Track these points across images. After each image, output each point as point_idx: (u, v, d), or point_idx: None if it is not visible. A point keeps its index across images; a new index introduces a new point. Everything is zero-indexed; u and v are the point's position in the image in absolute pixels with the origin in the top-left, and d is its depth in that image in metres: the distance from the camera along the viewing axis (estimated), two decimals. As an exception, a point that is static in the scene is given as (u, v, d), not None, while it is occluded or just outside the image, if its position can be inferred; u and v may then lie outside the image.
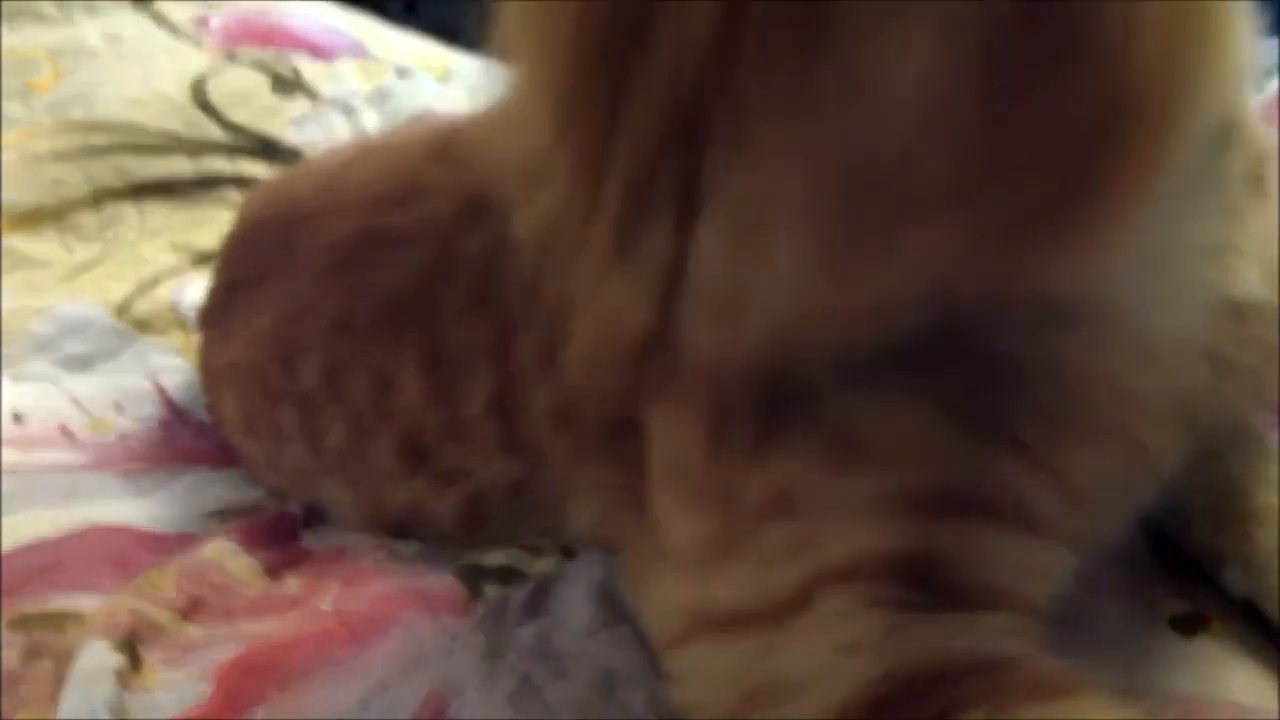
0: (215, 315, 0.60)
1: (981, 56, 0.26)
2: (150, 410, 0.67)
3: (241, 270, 0.59)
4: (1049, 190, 0.28)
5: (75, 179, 0.86)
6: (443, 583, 0.43)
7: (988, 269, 0.29)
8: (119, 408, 0.67)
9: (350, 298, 0.49)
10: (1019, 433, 0.33)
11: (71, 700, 0.36)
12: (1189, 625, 0.37)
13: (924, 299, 0.29)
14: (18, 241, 0.82)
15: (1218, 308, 0.35)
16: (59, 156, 0.86)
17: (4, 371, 0.70)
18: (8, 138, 0.88)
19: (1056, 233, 0.28)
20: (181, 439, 0.64)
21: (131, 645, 0.39)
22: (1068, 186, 0.28)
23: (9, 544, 0.49)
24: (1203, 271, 0.35)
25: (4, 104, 0.91)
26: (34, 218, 0.84)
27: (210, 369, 0.59)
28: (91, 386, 0.70)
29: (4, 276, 0.79)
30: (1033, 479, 0.33)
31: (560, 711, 0.36)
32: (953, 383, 0.33)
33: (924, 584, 0.32)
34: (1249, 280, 0.36)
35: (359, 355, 0.48)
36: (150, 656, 0.39)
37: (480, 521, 0.48)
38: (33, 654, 0.42)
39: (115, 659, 0.38)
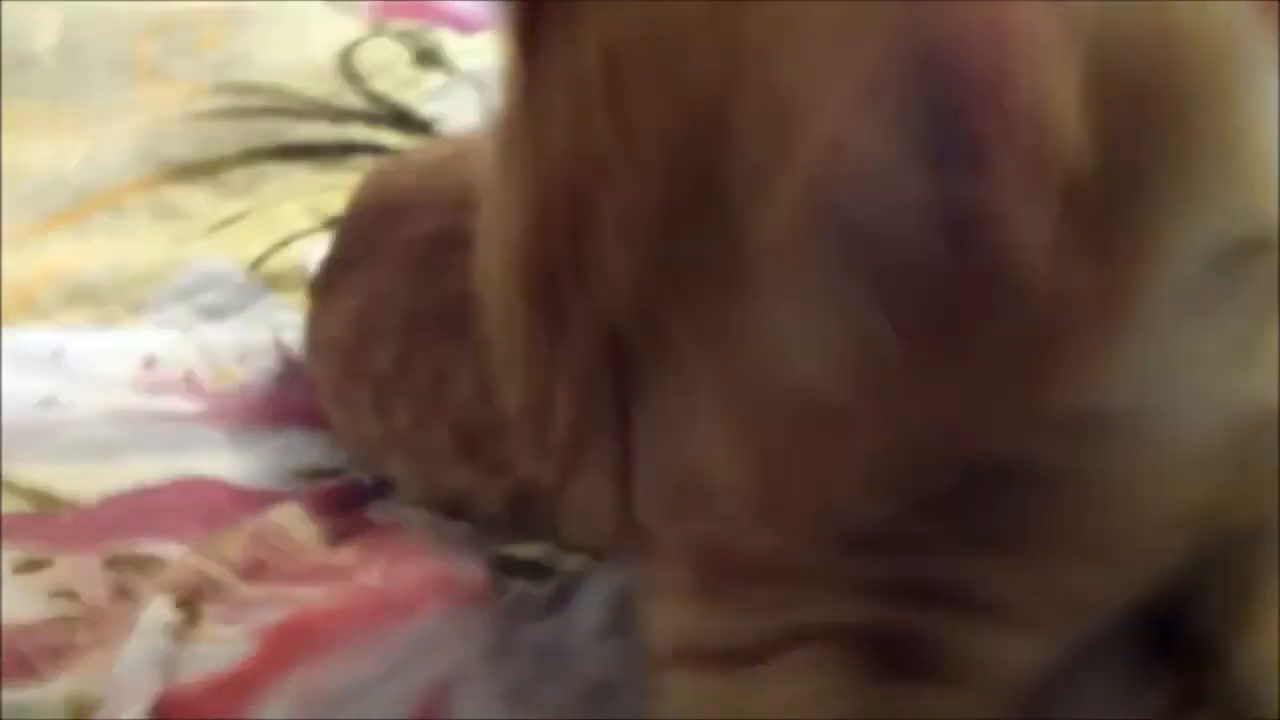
0: (321, 288, 0.65)
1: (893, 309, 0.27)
2: (269, 364, 0.73)
3: (344, 250, 0.64)
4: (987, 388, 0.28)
5: (228, 137, 0.93)
6: (473, 571, 0.46)
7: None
8: (241, 359, 0.73)
9: (421, 293, 0.52)
10: (1006, 533, 0.34)
11: (128, 651, 0.41)
12: (1178, 714, 0.37)
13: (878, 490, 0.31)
14: (173, 194, 0.90)
15: (1240, 414, 0.34)
16: (215, 115, 0.92)
17: (145, 317, 0.77)
18: (174, 93, 0.96)
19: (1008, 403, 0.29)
20: (290, 394, 0.69)
21: (192, 602, 0.44)
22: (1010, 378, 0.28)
23: (114, 488, 0.55)
24: (1221, 380, 0.34)
25: (175, 60, 0.99)
26: (188, 172, 0.91)
27: (312, 338, 0.64)
28: (220, 337, 0.76)
29: (155, 226, 0.87)
30: (1013, 577, 0.34)
31: (549, 714, 0.38)
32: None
33: (893, 655, 0.34)
34: (1272, 385, 0.35)
35: (424, 348, 0.52)
36: (208, 611, 0.44)
37: (526, 512, 0.51)
38: (120, 594, 0.48)
39: (173, 614, 0.43)
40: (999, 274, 0.26)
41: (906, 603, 0.34)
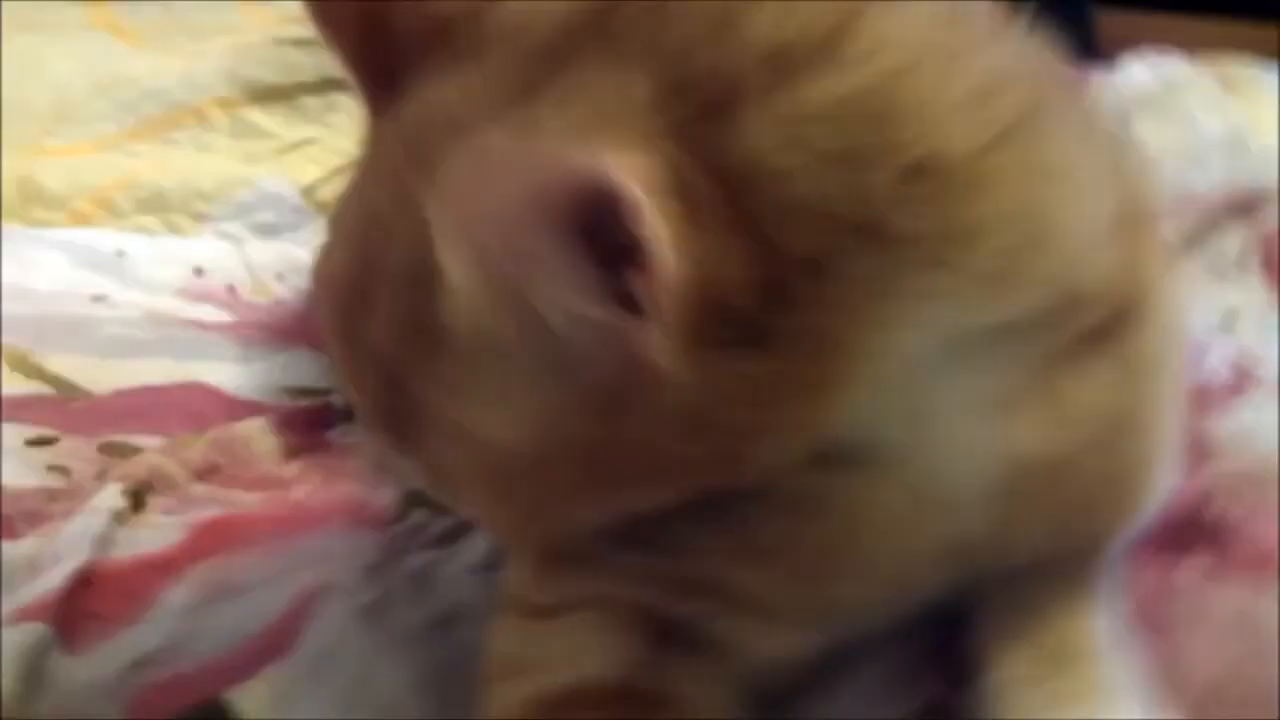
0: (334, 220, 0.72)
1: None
2: (302, 285, 0.81)
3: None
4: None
5: (307, 65, 1.00)
6: (383, 498, 0.53)
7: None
8: (280, 276, 0.81)
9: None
10: (766, 546, 0.38)
11: (71, 526, 0.50)
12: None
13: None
14: (252, 114, 0.99)
15: (1000, 461, 0.37)
16: (298, 42, 1.00)
17: (205, 228, 0.86)
18: (264, 18, 1.04)
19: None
20: (310, 314, 0.78)
21: (139, 493, 0.52)
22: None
23: (124, 383, 0.64)
24: (982, 428, 0.37)
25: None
26: (268, 95, 1.00)
27: (316, 267, 0.71)
28: (266, 254, 0.84)
29: (231, 144, 0.95)
30: (772, 582, 0.38)
31: (391, 642, 0.44)
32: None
33: (660, 628, 0.39)
34: (1036, 436, 0.37)
35: None
36: (154, 502, 0.53)
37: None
38: (101, 475, 0.56)
39: (119, 501, 0.51)
40: (639, 369, 0.31)
41: (672, 591, 0.39)
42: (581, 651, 0.39)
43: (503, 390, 0.34)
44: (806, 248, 0.31)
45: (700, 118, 0.31)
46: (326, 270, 0.40)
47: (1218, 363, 0.60)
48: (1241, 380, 0.59)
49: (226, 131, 0.96)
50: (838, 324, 0.32)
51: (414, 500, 0.54)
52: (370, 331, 0.36)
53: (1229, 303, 0.68)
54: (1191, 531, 0.48)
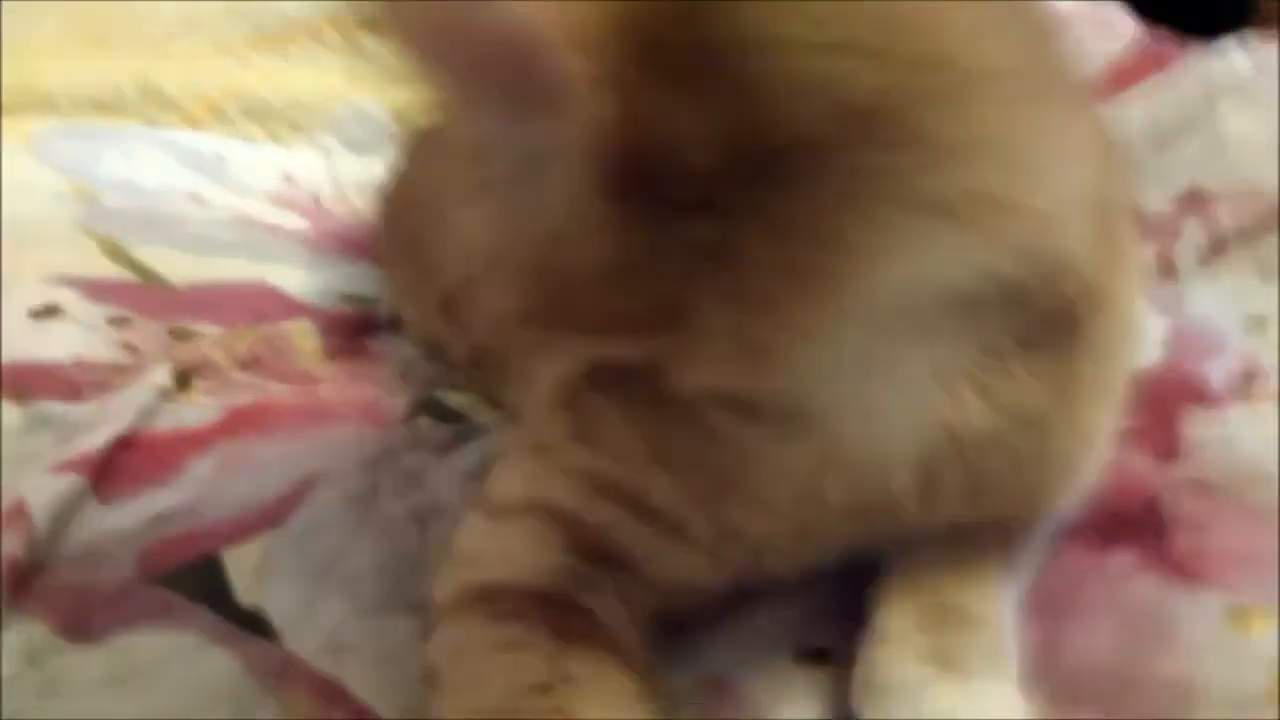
0: (406, 148, 0.78)
1: None
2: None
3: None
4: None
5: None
6: (397, 404, 0.59)
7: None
8: (361, 190, 0.89)
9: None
10: (692, 466, 0.41)
11: (122, 396, 0.58)
12: (810, 657, 0.44)
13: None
14: (364, 34, 1.05)
15: (931, 433, 0.39)
16: (409, -32, 1.05)
17: (300, 138, 0.94)
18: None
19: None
20: (374, 229, 0.84)
21: (186, 374, 0.60)
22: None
23: (202, 278, 0.72)
24: (920, 399, 0.38)
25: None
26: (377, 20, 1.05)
27: (385, 188, 0.78)
28: (352, 168, 0.92)
29: (338, 61, 1.02)
30: (691, 503, 0.41)
31: (369, 528, 0.50)
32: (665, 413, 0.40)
33: (588, 538, 0.43)
34: (970, 415, 0.39)
35: (434, 224, 0.63)
36: (200, 385, 0.60)
37: (478, 367, 0.64)
38: (163, 356, 0.64)
39: (167, 380, 0.59)
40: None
41: (604, 499, 0.42)
42: (517, 554, 0.44)
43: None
44: (807, 126, 0.31)
45: None
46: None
47: (1227, 363, 0.59)
48: (1244, 387, 0.58)
49: (337, 50, 1.03)
50: (814, 220, 0.32)
51: (421, 408, 0.60)
52: None
53: (1262, 307, 0.67)
54: (1134, 524, 0.49)
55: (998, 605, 0.44)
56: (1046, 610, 0.45)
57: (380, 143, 0.93)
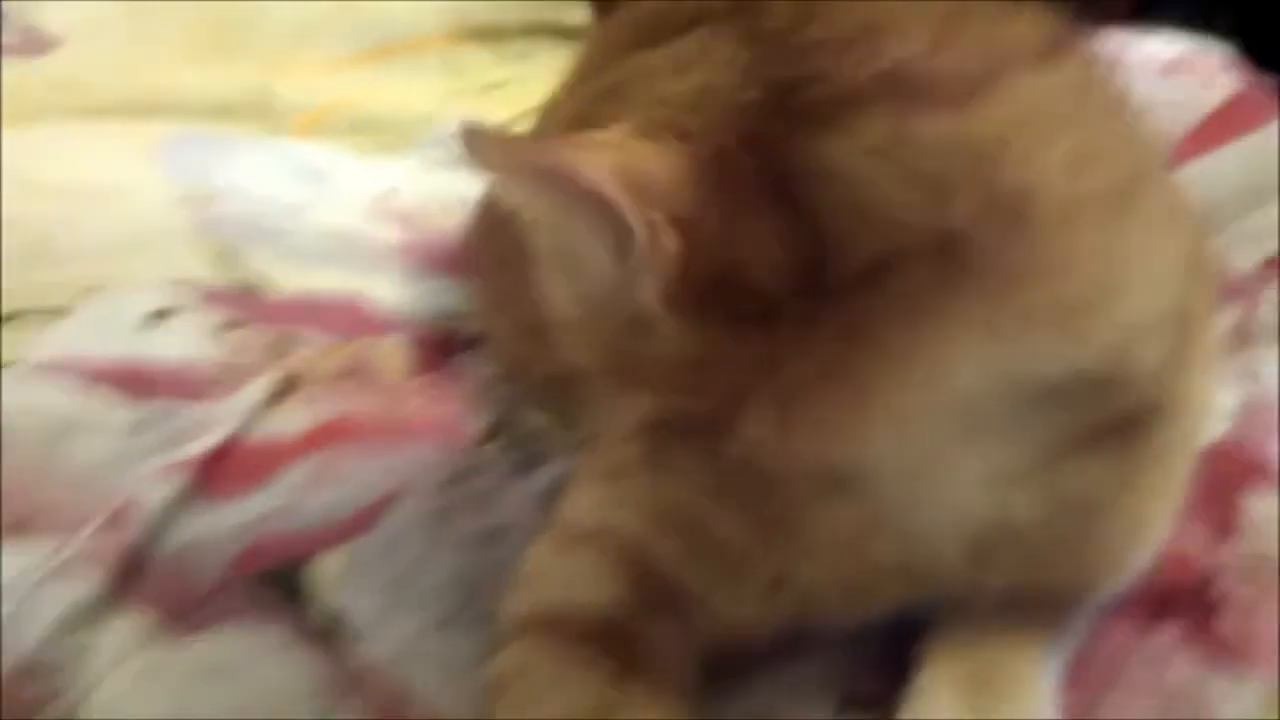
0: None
1: None
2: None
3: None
4: None
5: (514, 8, 1.10)
6: (475, 422, 0.63)
7: None
8: (461, 206, 0.92)
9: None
10: (740, 494, 0.43)
11: (227, 402, 0.62)
12: (854, 703, 0.47)
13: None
14: (463, 51, 1.09)
15: (982, 521, 0.41)
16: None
17: (404, 154, 0.98)
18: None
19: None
20: (466, 247, 0.87)
21: (287, 385, 0.64)
22: None
23: (302, 289, 0.76)
24: (975, 488, 0.40)
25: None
26: (479, 34, 1.09)
27: (480, 201, 0.80)
28: (452, 184, 0.95)
29: (439, 77, 1.06)
30: (748, 540, 0.44)
31: (445, 543, 0.54)
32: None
33: (643, 580, 0.46)
34: (1025, 505, 0.41)
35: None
36: (297, 395, 0.64)
37: (559, 393, 0.67)
38: (268, 362, 0.69)
39: (267, 389, 0.63)
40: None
41: (669, 529, 0.45)
42: (583, 583, 0.47)
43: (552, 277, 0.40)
44: (870, 249, 0.34)
45: (795, 111, 0.34)
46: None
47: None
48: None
49: (437, 65, 1.07)
50: (878, 335, 0.35)
51: (497, 429, 0.64)
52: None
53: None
54: (1182, 601, 0.50)
55: (1037, 673, 0.46)
56: (1085, 681, 0.47)
57: (476, 159, 0.96)
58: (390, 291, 0.79)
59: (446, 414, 0.64)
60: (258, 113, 0.98)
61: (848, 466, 0.40)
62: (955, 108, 0.34)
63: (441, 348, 0.72)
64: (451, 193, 0.92)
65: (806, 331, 0.35)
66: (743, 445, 0.39)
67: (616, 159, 0.34)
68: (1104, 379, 0.38)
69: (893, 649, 0.48)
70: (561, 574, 0.48)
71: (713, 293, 0.34)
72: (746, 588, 0.45)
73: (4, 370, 0.66)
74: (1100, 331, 0.37)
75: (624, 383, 0.40)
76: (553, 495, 0.57)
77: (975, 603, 0.46)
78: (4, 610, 0.50)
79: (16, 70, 1.05)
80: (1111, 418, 0.40)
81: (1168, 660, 0.48)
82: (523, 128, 0.98)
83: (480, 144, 0.34)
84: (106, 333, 0.69)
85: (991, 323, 0.35)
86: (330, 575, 0.53)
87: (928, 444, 0.38)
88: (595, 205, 0.33)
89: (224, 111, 0.99)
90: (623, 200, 0.33)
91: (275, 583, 0.52)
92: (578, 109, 0.40)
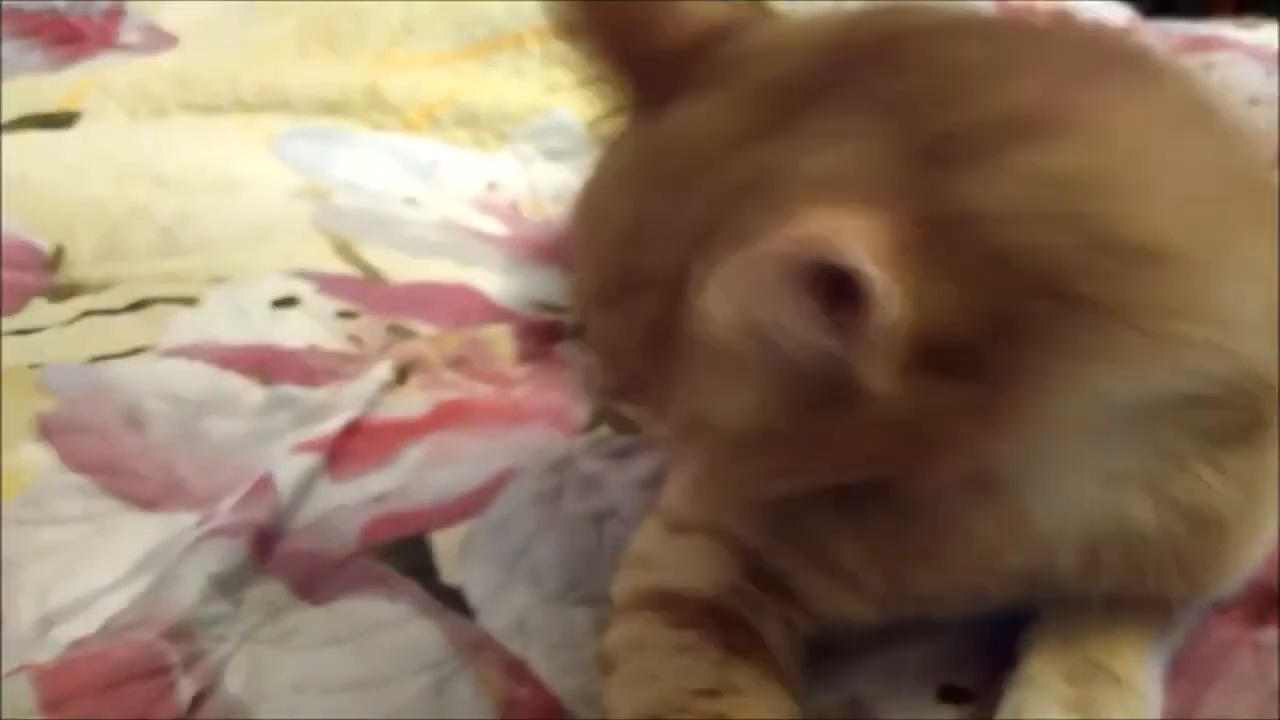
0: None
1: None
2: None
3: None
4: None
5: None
6: (581, 412, 0.65)
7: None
8: (556, 199, 0.95)
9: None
10: (872, 530, 0.44)
11: (352, 386, 0.66)
12: (952, 697, 0.48)
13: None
14: (559, 46, 1.11)
15: (1099, 520, 0.42)
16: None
17: (504, 148, 1.01)
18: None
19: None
20: (563, 242, 0.91)
21: (404, 370, 0.68)
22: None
23: (415, 277, 0.80)
24: (1100, 492, 0.42)
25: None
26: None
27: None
28: (549, 177, 0.98)
29: (539, 71, 1.09)
30: (866, 559, 0.45)
31: (553, 526, 0.57)
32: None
33: (758, 565, 0.47)
34: (1139, 510, 0.42)
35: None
36: (414, 380, 0.68)
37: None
38: (383, 349, 0.72)
39: (388, 374, 0.67)
40: (852, 385, 0.36)
41: (779, 541, 0.47)
42: (692, 567, 0.49)
43: (731, 387, 0.39)
44: (1003, 297, 0.35)
45: (934, 172, 0.36)
46: (585, 250, 0.46)
47: None
48: None
49: (538, 59, 1.10)
50: (1024, 373, 0.36)
51: (602, 418, 0.66)
52: (624, 322, 0.42)
53: None
54: None
55: (1144, 669, 0.46)
56: (1190, 677, 0.47)
57: (576, 152, 0.99)
58: (496, 282, 0.82)
59: (553, 401, 0.67)
60: (366, 108, 1.02)
61: (994, 479, 0.41)
62: (1046, 139, 0.35)
63: (546, 337, 0.75)
64: (551, 185, 0.96)
65: (979, 378, 0.36)
66: (923, 480, 0.40)
67: (857, 229, 0.34)
68: (1213, 383, 0.39)
69: (992, 642, 0.49)
70: (672, 557, 0.50)
71: (916, 352, 0.35)
72: (861, 596, 0.46)
73: (138, 355, 0.71)
74: (1211, 353, 0.38)
75: (789, 466, 0.41)
76: (653, 482, 0.60)
77: (1083, 600, 0.47)
78: (154, 576, 0.54)
79: (138, 67, 1.11)
80: (1232, 416, 0.41)
81: (1272, 658, 0.48)
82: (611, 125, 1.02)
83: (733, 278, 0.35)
84: (235, 320, 0.73)
85: (1110, 358, 0.36)
86: (449, 551, 0.56)
87: (1052, 453, 0.40)
88: (812, 284, 0.34)
89: (333, 107, 1.03)
90: (874, 272, 0.33)
91: (400, 557, 0.56)
92: (704, 211, 0.39)
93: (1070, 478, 0.41)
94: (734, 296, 0.35)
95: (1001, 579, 0.45)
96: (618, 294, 0.42)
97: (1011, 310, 0.35)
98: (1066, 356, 0.36)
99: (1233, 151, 0.41)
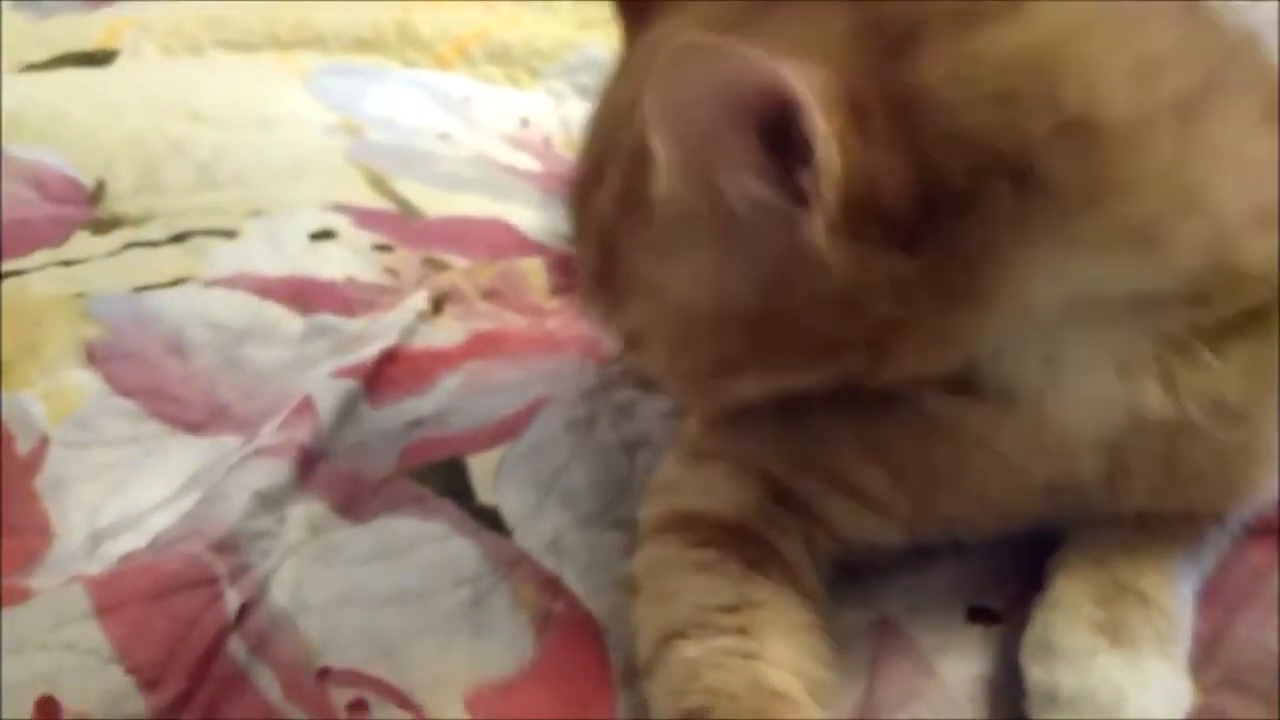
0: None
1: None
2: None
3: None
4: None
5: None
6: (610, 342, 0.66)
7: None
8: (589, 135, 0.95)
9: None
10: (889, 451, 0.45)
11: (389, 316, 0.67)
12: (980, 617, 0.49)
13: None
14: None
15: (1118, 414, 0.42)
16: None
17: (537, 84, 1.01)
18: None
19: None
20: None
21: (440, 301, 0.69)
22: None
23: (449, 211, 0.81)
24: (1111, 383, 0.41)
25: None
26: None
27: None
28: (581, 113, 0.98)
29: (574, 8, 1.08)
30: (884, 481, 0.46)
31: (586, 453, 0.58)
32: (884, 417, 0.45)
33: (777, 489, 0.48)
34: (1155, 400, 0.41)
35: None
36: (449, 310, 0.69)
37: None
38: (419, 281, 0.73)
39: (423, 304, 0.68)
40: (802, 252, 0.37)
41: (796, 466, 0.48)
42: (715, 489, 0.50)
43: (691, 254, 0.41)
44: (961, 177, 0.36)
45: (885, 50, 0.37)
46: (577, 160, 0.49)
47: None
48: None
49: (575, -4, 1.10)
50: (983, 252, 0.37)
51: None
52: (597, 202, 0.45)
53: None
54: None
55: (1174, 591, 0.46)
56: (1219, 601, 0.48)
57: (607, 89, 0.99)
58: (529, 216, 0.82)
59: (584, 332, 0.68)
60: (398, 45, 1.02)
61: (995, 372, 0.42)
62: (1004, 17, 0.36)
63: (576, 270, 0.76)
64: (580, 120, 0.95)
65: (933, 256, 0.37)
66: (896, 373, 0.41)
67: (805, 74, 0.35)
68: (1208, 280, 0.39)
69: (1021, 564, 0.49)
70: (695, 482, 0.51)
71: (863, 218, 0.36)
72: (887, 520, 0.47)
73: (180, 286, 0.73)
74: (1184, 241, 0.37)
75: (752, 355, 0.42)
76: (678, 412, 0.61)
77: (1113, 521, 0.47)
78: (202, 494, 0.56)
79: (174, 6, 1.11)
80: (1233, 313, 0.40)
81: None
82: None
83: (692, 54, 0.36)
84: (274, 252, 0.74)
85: (1075, 240, 0.37)
86: (485, 474, 0.57)
87: (1049, 339, 0.40)
88: (776, 118, 0.35)
89: (366, 44, 1.03)
90: (818, 112, 0.35)
91: (437, 478, 0.57)
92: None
93: (1080, 373, 0.41)
94: (683, 143, 0.37)
95: (1027, 495, 0.45)
96: (594, 180, 0.45)
97: (968, 188, 0.36)
98: (1026, 238, 0.37)
99: (1207, 36, 0.40)
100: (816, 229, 0.36)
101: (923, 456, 0.45)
